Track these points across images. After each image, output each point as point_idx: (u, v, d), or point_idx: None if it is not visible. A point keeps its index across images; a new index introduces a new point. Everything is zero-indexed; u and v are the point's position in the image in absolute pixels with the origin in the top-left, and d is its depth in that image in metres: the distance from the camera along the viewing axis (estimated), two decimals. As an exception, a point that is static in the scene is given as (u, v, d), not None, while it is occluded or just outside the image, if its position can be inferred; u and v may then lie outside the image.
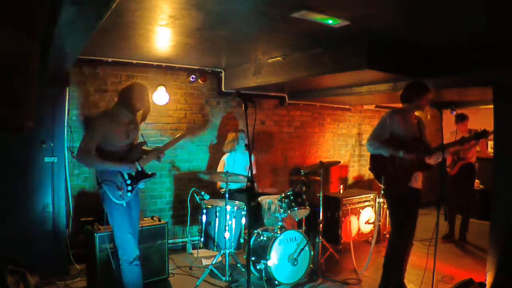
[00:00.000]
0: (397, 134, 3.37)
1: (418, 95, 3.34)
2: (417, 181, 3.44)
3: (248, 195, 2.80)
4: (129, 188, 3.09)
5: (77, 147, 4.35)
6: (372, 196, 5.52)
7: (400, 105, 3.57)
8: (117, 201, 3.04)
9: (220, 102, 5.58)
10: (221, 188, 4.73)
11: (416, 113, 3.53)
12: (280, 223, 4.03)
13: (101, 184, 3.04)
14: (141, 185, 3.22)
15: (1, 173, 3.73)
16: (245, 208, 4.15)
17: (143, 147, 3.32)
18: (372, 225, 5.40)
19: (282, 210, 4.09)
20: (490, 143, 3.72)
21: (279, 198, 4.17)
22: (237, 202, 4.34)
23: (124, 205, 3.06)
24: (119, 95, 3.20)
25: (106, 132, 3.03)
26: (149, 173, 3.26)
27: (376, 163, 3.53)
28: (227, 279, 3.94)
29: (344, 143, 7.25)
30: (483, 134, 3.29)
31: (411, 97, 3.39)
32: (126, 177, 3.10)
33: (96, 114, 3.16)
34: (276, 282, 3.80)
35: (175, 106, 5.14)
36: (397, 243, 3.42)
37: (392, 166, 3.37)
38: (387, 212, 4.06)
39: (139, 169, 3.16)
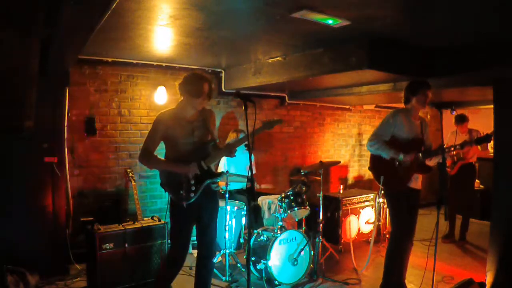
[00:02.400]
0: (399, 134, 3.36)
1: (416, 92, 3.34)
2: (417, 181, 3.44)
3: (248, 195, 2.78)
4: (193, 188, 2.93)
5: (78, 147, 4.34)
6: (372, 196, 5.52)
7: (400, 105, 3.57)
8: (180, 202, 2.94)
9: (220, 102, 5.58)
10: (221, 188, 4.73)
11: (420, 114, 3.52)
12: (280, 223, 4.03)
13: (163, 186, 3.02)
14: (213, 186, 3.04)
15: (1, 173, 3.73)
16: (245, 208, 4.15)
17: (212, 145, 3.10)
18: (372, 225, 5.40)
19: (282, 210, 4.09)
20: (490, 143, 3.72)
21: (279, 198, 4.17)
22: (237, 202, 4.35)
23: (185, 206, 2.95)
24: (180, 90, 3.02)
25: (167, 130, 2.93)
26: (216, 172, 3.09)
27: (375, 162, 3.52)
28: (227, 279, 3.94)
29: (344, 143, 7.25)
30: (486, 139, 3.29)
31: (410, 95, 3.39)
32: (190, 176, 2.95)
33: (158, 114, 3.07)
34: (276, 282, 3.80)
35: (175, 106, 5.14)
36: (396, 242, 3.42)
37: (391, 166, 3.37)
38: (387, 212, 4.07)
39: (205, 168, 2.97)
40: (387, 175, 3.42)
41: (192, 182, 2.91)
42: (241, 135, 4.94)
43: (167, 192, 3.03)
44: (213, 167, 3.06)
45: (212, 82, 3.06)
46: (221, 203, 4.13)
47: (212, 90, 3.04)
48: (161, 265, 3.12)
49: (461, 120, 5.31)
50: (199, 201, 2.95)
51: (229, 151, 3.06)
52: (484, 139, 3.31)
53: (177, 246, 3.05)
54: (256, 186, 4.89)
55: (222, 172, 3.15)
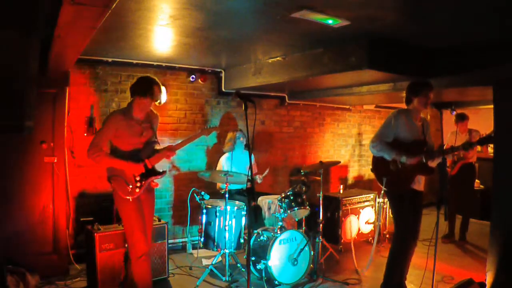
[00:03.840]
0: (401, 135, 3.36)
1: (418, 93, 3.34)
2: (420, 183, 3.43)
3: (248, 195, 2.80)
4: (138, 184, 3.12)
5: (78, 147, 4.34)
6: (372, 196, 5.52)
7: (401, 105, 3.57)
8: (125, 196, 3.08)
9: (220, 102, 5.58)
10: (221, 188, 4.73)
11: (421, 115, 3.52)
12: (280, 223, 4.03)
13: (109, 180, 3.11)
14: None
15: (1, 173, 3.73)
16: (245, 208, 4.15)
17: (155, 146, 3.32)
18: (372, 225, 5.40)
19: (282, 210, 4.09)
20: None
21: (279, 198, 4.17)
22: (237, 202, 4.34)
23: (131, 200, 3.09)
24: (131, 91, 3.19)
25: (118, 129, 3.07)
26: (160, 170, 3.29)
27: (378, 164, 3.52)
28: (227, 279, 3.94)
29: (344, 143, 7.24)
30: (489, 140, 3.29)
31: (411, 96, 3.40)
32: (137, 173, 3.14)
33: (110, 112, 3.25)
34: (276, 282, 3.80)
35: (175, 106, 5.14)
36: (399, 243, 3.42)
37: (394, 168, 3.36)
38: (388, 212, 4.07)
39: (149, 166, 3.19)
40: (389, 176, 3.41)
41: (138, 178, 3.12)
42: (238, 135, 4.95)
43: (113, 188, 3.13)
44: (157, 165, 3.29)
45: (160, 86, 3.24)
46: (221, 203, 4.15)
47: (160, 93, 3.23)
48: (132, 267, 3.14)
49: (461, 118, 5.30)
50: (142, 195, 3.17)
51: (167, 153, 3.31)
52: (487, 140, 3.30)
53: (142, 241, 3.10)
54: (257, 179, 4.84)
55: (165, 171, 3.35)
